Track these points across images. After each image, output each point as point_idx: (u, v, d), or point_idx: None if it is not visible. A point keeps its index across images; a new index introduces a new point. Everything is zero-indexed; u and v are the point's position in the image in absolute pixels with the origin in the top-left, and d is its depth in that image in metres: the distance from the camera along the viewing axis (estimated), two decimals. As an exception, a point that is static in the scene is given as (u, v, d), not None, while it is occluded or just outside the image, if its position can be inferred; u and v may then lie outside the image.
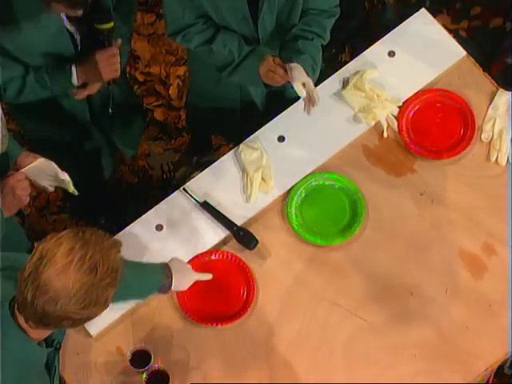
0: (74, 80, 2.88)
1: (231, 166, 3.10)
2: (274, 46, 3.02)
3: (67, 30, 2.84)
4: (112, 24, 2.84)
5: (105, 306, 2.09)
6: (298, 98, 2.90)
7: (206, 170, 3.11)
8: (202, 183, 3.08)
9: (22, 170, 2.74)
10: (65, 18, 2.81)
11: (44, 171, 2.79)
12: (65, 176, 2.79)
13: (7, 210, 2.70)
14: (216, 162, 3.11)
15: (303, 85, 2.85)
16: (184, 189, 3.05)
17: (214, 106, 3.34)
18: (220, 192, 3.06)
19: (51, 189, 2.85)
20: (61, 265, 2.01)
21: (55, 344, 2.29)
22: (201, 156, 3.96)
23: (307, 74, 2.88)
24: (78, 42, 2.90)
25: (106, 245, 2.06)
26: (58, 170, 2.79)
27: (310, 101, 2.87)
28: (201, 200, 3.03)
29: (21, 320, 2.13)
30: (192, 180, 3.09)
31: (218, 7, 2.90)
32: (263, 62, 2.92)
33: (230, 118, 3.37)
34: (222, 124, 3.49)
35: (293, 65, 2.87)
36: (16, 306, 2.12)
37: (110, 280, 2.06)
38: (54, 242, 2.04)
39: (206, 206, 3.02)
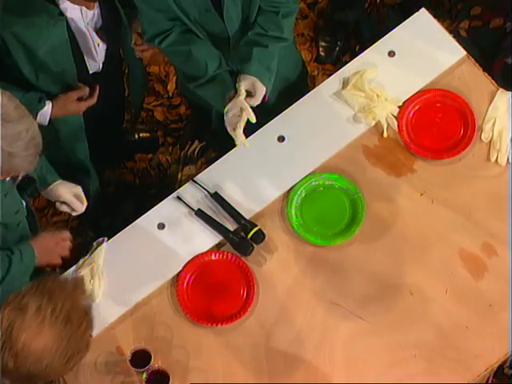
0: None
1: (232, 166, 3.10)
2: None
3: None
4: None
5: (87, 349, 2.06)
6: None
7: (209, 167, 3.11)
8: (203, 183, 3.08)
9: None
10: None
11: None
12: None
13: (40, 260, 2.73)
14: (217, 161, 3.11)
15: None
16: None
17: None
18: (222, 192, 3.06)
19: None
20: (35, 326, 1.95)
21: None
22: (186, 151, 3.97)
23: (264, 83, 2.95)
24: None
25: (70, 287, 2.03)
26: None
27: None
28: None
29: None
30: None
31: (181, 3, 2.87)
32: (228, 100, 2.95)
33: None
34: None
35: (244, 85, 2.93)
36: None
37: (86, 323, 2.04)
38: (18, 304, 1.97)
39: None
